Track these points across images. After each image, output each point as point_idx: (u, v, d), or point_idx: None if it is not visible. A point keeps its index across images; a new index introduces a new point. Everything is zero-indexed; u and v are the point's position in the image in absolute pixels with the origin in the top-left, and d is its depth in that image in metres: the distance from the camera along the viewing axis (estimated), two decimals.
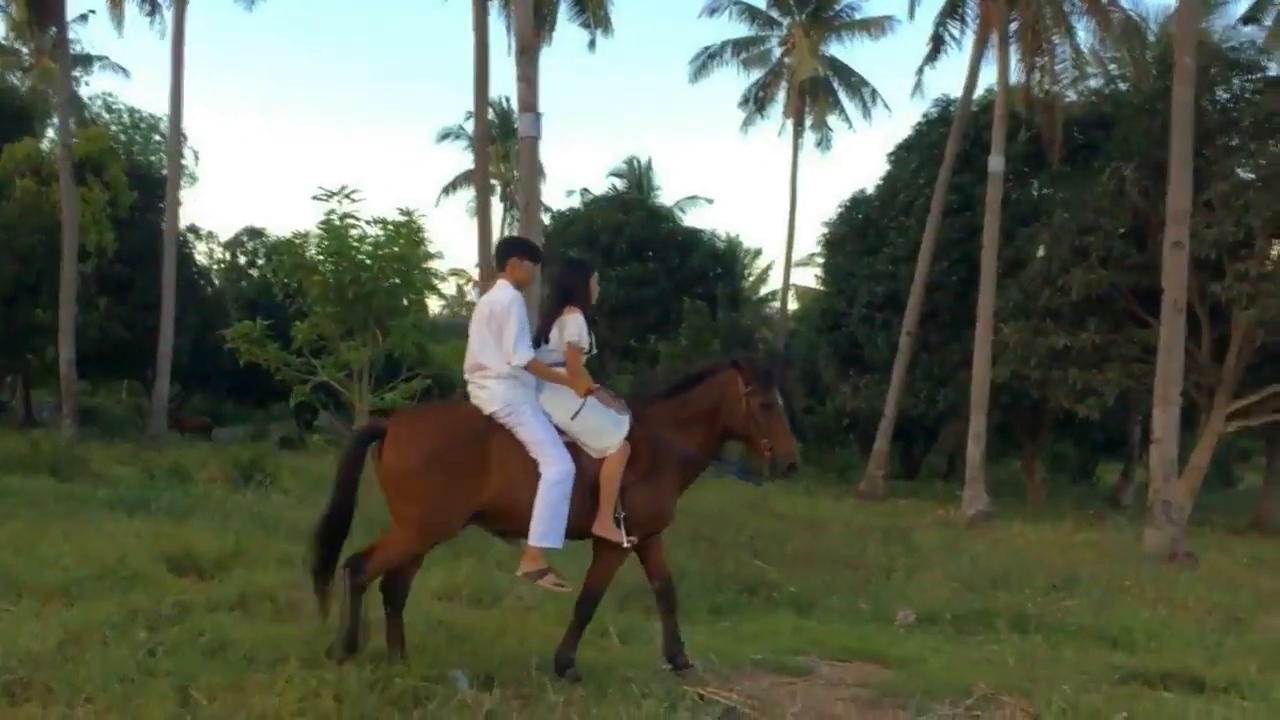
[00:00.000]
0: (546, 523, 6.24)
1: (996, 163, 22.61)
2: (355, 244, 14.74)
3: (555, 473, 6.22)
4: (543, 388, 6.51)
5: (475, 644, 7.09)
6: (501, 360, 6.36)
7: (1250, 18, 27.78)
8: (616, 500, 6.43)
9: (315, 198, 14.91)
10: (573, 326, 6.54)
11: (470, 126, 44.98)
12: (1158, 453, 17.14)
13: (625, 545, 6.47)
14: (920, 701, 6.85)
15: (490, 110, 47.22)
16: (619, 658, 7.35)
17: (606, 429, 6.45)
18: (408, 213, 15.17)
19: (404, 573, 6.58)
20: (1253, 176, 21.65)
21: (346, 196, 14.85)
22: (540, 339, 6.65)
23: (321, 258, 14.82)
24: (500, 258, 6.75)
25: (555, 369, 6.53)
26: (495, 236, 41.37)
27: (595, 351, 6.76)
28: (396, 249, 14.66)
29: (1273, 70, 23.70)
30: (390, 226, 14.85)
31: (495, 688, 6.10)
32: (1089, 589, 11.73)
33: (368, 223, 15.23)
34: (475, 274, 35.31)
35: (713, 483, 18.33)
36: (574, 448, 6.42)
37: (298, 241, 15.87)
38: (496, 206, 46.09)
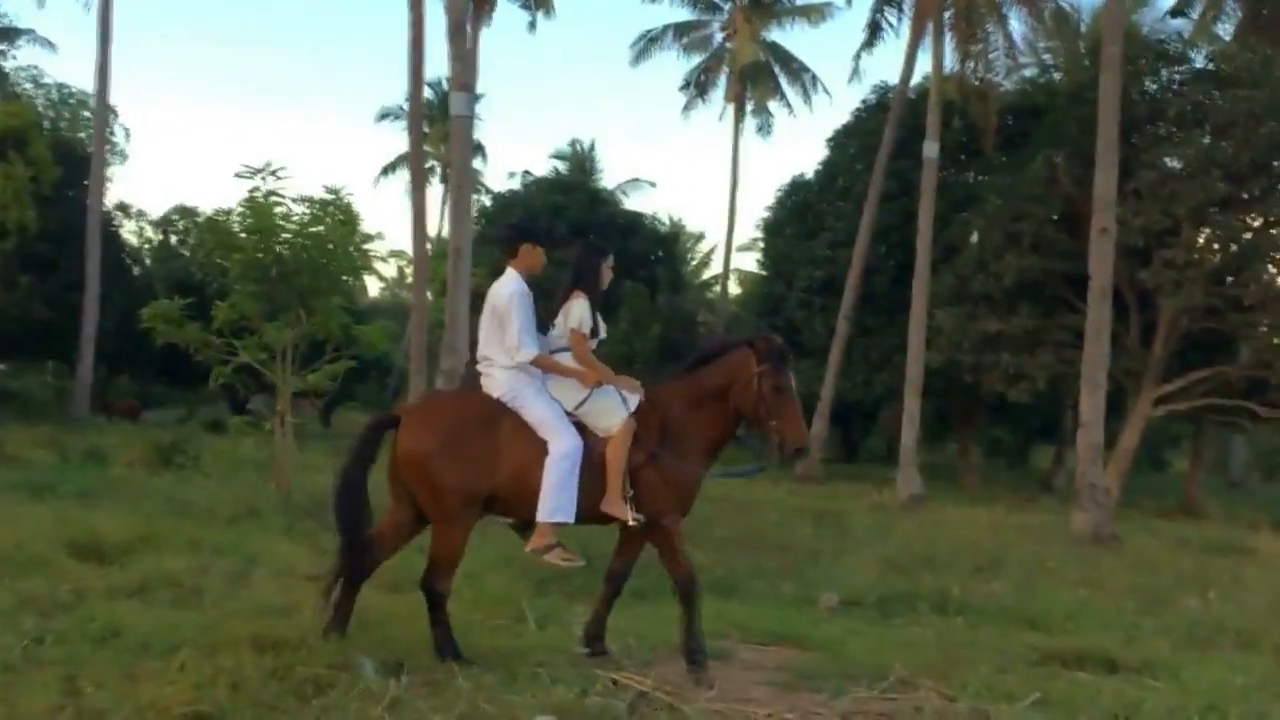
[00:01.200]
0: (555, 498, 6.24)
1: (931, 149, 22.71)
2: (280, 222, 14.44)
3: (562, 447, 6.24)
4: (550, 376, 6.49)
5: (387, 631, 6.94)
6: (504, 353, 6.38)
7: (1178, 10, 28.17)
8: (625, 479, 6.39)
9: (239, 175, 14.60)
10: (576, 311, 6.52)
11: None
12: (1085, 436, 17.32)
13: (630, 522, 6.43)
14: (837, 684, 6.82)
15: (430, 90, 46.90)
16: (535, 643, 7.28)
17: (612, 408, 6.42)
18: (334, 191, 14.90)
19: (377, 555, 6.62)
20: (1179, 166, 21.94)
21: (272, 174, 14.56)
22: (549, 324, 6.63)
23: (245, 235, 14.50)
24: (510, 243, 6.69)
25: (561, 358, 6.51)
26: (433, 218, 41.06)
27: (604, 336, 6.70)
28: (321, 228, 14.39)
29: (1198, 62, 24.07)
30: (316, 205, 14.59)
31: (403, 675, 5.97)
32: (1013, 571, 11.80)
33: (294, 201, 14.96)
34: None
35: None
36: (583, 429, 6.41)
37: (220, 219, 15.53)
38: (437, 188, 45.66)
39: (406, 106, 47.16)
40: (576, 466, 6.29)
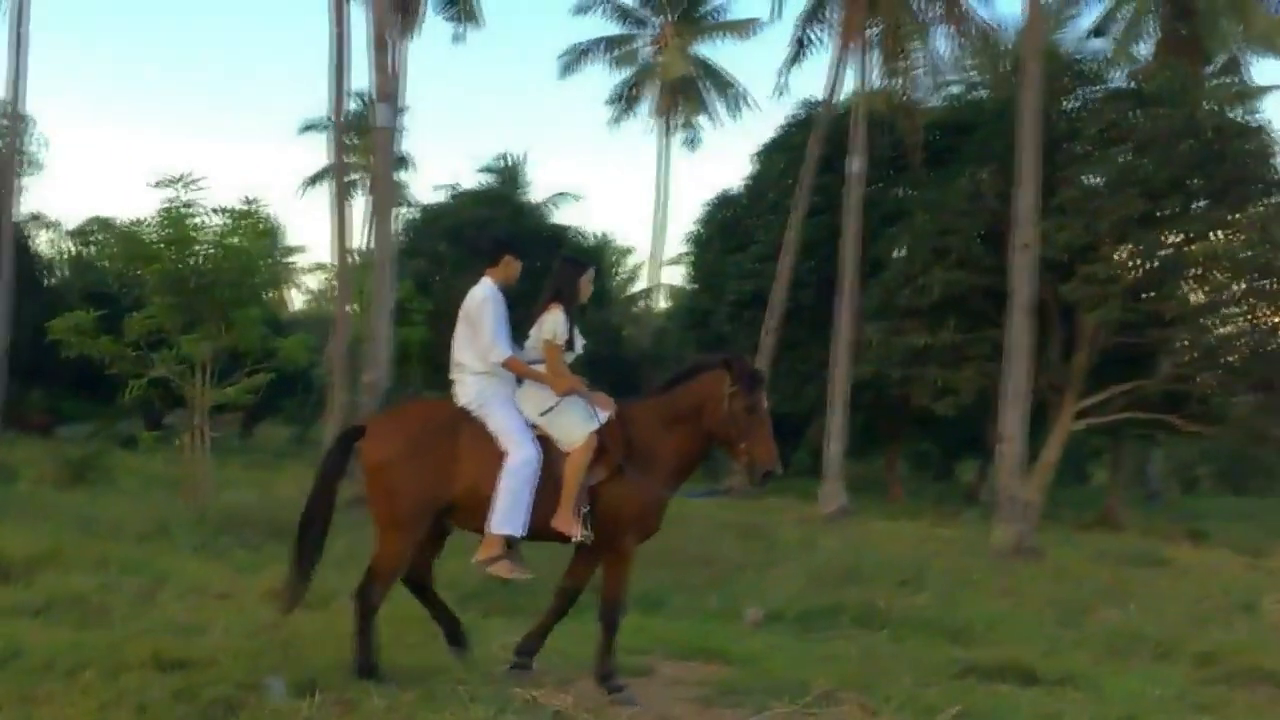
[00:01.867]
0: (506, 509, 6.25)
1: (856, 164, 22.86)
2: (195, 233, 14.22)
3: (518, 458, 6.24)
4: (521, 383, 6.55)
5: (300, 649, 6.84)
6: (476, 357, 6.45)
7: (1098, 31, 28.71)
8: (580, 496, 6.35)
9: (154, 185, 14.35)
10: (549, 324, 6.55)
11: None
12: (1006, 450, 17.47)
13: (578, 539, 6.39)
14: (758, 700, 6.81)
15: (355, 101, 46.45)
16: (452, 660, 7.12)
17: (578, 422, 6.40)
18: (250, 202, 14.72)
19: (419, 567, 6.77)
20: (1099, 182, 22.29)
21: (188, 184, 14.32)
22: (524, 335, 6.67)
23: (160, 246, 14.25)
24: (493, 254, 6.84)
25: (535, 366, 6.54)
26: (359, 230, 40.69)
27: (580, 352, 6.75)
28: (238, 239, 14.18)
29: (1117, 82, 24.53)
30: (233, 216, 14.37)
31: (315, 694, 5.86)
32: (936, 584, 11.85)
33: (211, 212, 14.72)
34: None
35: None
36: (547, 443, 6.42)
37: (135, 230, 15.25)
38: (363, 199, 45.22)
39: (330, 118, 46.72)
40: (532, 479, 6.28)
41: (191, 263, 14.18)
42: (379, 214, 16.91)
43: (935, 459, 41.56)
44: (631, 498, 6.45)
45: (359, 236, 39.19)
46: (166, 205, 14.35)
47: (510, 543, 6.39)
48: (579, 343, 6.76)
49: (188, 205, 14.30)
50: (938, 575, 12.22)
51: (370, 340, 16.66)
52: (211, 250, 14.29)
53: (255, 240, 14.59)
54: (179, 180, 14.28)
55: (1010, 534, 16.55)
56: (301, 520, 6.62)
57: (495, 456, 6.25)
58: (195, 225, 14.27)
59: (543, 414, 6.43)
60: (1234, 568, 17.03)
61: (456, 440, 6.32)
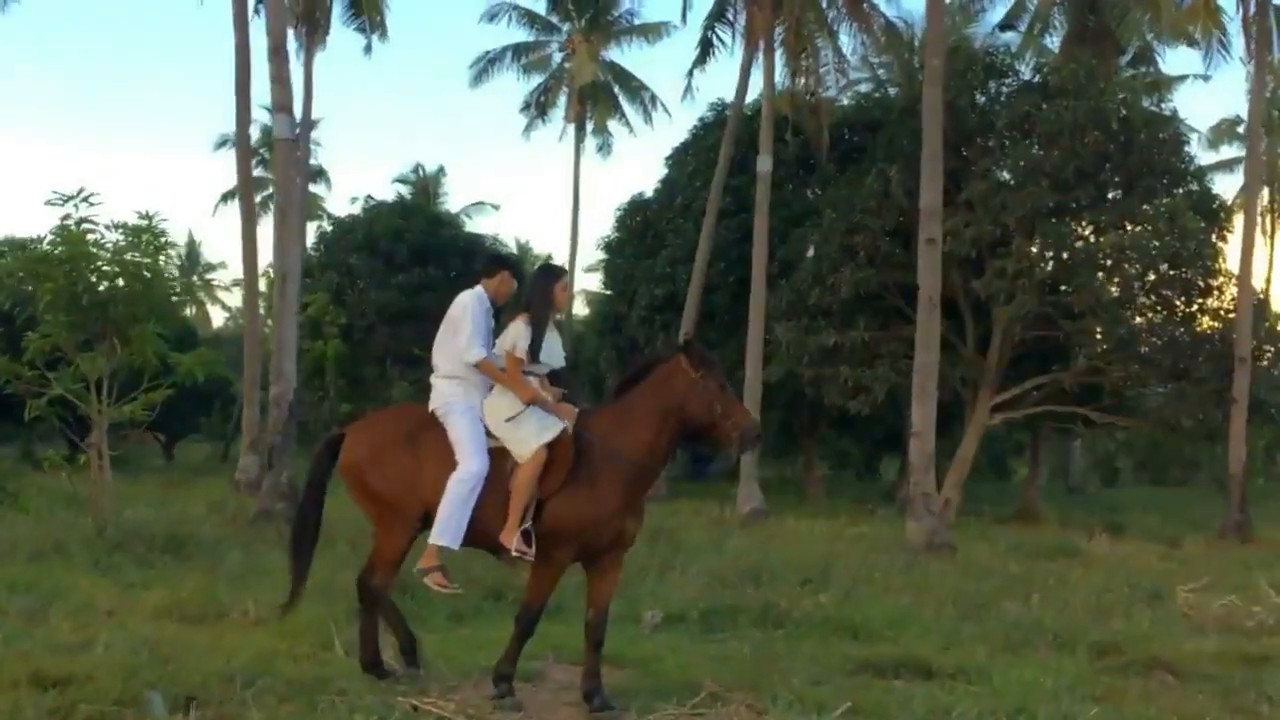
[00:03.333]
0: (446, 520, 6.30)
1: (764, 164, 22.73)
2: (93, 250, 13.77)
3: (464, 470, 6.29)
4: (491, 390, 6.60)
5: (182, 663, 6.70)
6: (449, 360, 6.58)
7: (1007, 24, 28.92)
8: (526, 511, 6.32)
9: (49, 202, 13.94)
10: (511, 334, 6.60)
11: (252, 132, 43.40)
12: (916, 446, 17.39)
13: (514, 553, 6.35)
14: (644, 702, 6.71)
15: (267, 114, 45.77)
16: (340, 670, 7.05)
17: (530, 435, 6.38)
18: (148, 217, 14.18)
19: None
20: (1008, 177, 22.37)
21: (84, 200, 13.89)
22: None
23: (55, 263, 13.78)
24: (490, 268, 7.09)
25: (492, 365, 6.60)
26: (270, 244, 39.95)
27: (559, 364, 6.80)
28: (134, 256, 13.74)
29: (1025, 74, 24.69)
30: (130, 232, 13.90)
31: (192, 709, 5.85)
32: (840, 582, 11.64)
33: (107, 228, 14.27)
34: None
35: None
36: (503, 454, 6.43)
37: (30, 247, 14.82)
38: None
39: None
40: (475, 491, 6.30)
41: (88, 280, 13.74)
42: (282, 226, 16.43)
43: (856, 458, 41.65)
44: (574, 512, 6.37)
45: (273, 251, 38.61)
46: (62, 222, 13.90)
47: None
48: (556, 354, 6.78)
49: (84, 222, 13.84)
50: (842, 573, 11.98)
51: (275, 352, 16.21)
52: (107, 267, 13.87)
53: (153, 256, 14.10)
54: (74, 197, 13.85)
55: (922, 530, 16.42)
56: (293, 526, 6.87)
57: (451, 466, 6.34)
58: (93, 242, 13.81)
59: (507, 420, 6.43)
60: (1148, 558, 17.04)
61: (418, 447, 6.46)
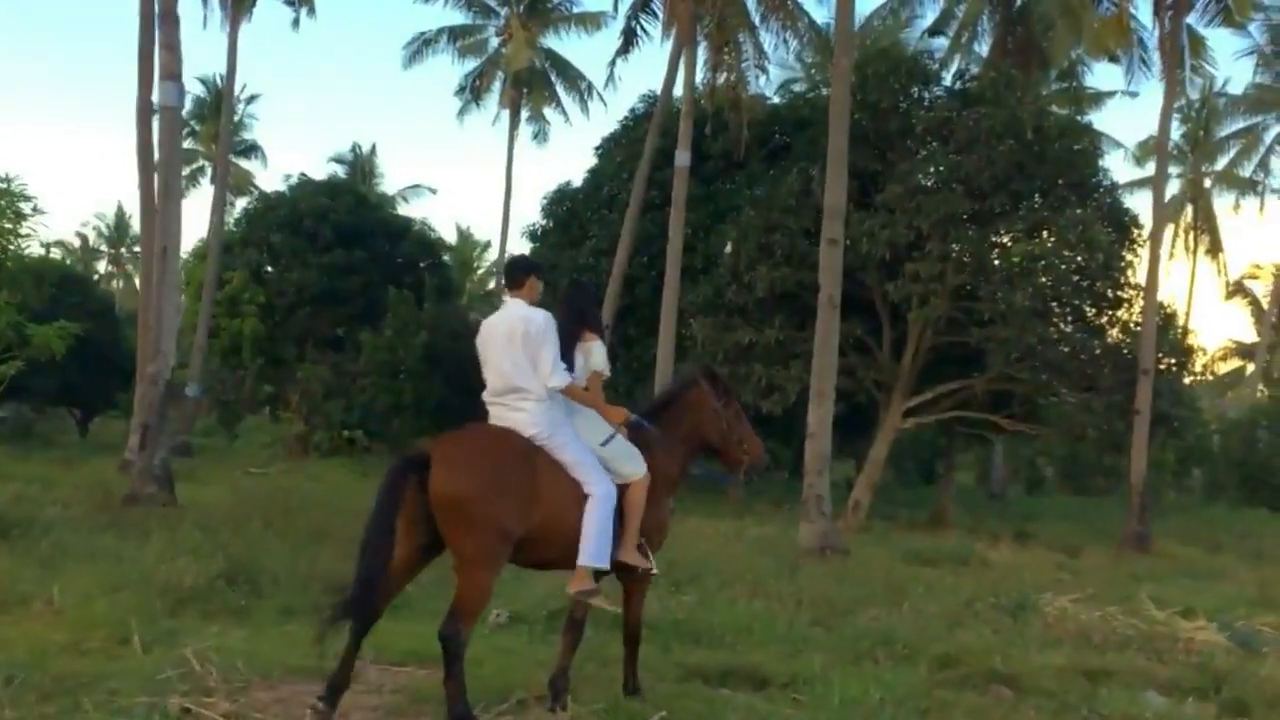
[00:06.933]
0: (596, 542, 6.33)
1: (682, 158, 22.61)
2: None
3: (604, 491, 6.33)
4: (574, 412, 6.57)
5: None
6: (539, 383, 6.34)
7: (936, 30, 28.96)
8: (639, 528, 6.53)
9: None
10: (598, 354, 6.76)
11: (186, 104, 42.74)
12: (811, 447, 17.29)
13: (654, 571, 6.74)
14: (442, 707, 6.34)
15: (202, 86, 45.01)
16: (129, 666, 6.75)
17: (633, 456, 6.56)
18: (6, 180, 13.69)
19: (382, 598, 6.34)
20: (928, 181, 22.34)
21: None
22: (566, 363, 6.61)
23: None
24: (516, 275, 6.73)
25: (580, 389, 6.60)
26: (202, 220, 39.15)
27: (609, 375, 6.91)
28: None
29: (948, 81, 24.73)
30: None
31: None
32: (709, 585, 11.45)
33: None
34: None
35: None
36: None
37: None
38: (207, 189, 43.84)
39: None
40: (613, 513, 6.38)
41: None
42: (164, 197, 15.92)
43: (784, 458, 41.55)
44: (653, 521, 6.72)
45: (201, 226, 37.79)
46: None
47: (597, 575, 6.51)
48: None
49: None
50: (712, 576, 11.78)
51: (154, 329, 15.69)
52: None
53: (14, 221, 13.61)
54: None
55: (815, 533, 16.29)
56: (359, 561, 6.13)
57: (572, 489, 6.29)
58: None
59: (602, 444, 6.49)
60: (1042, 567, 17.07)
61: (534, 472, 6.21)
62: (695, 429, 6.96)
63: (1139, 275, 23.31)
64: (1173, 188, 45.96)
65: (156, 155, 16.63)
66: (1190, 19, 24.15)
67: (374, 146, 47.91)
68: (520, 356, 6.37)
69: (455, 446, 6.26)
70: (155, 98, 17.08)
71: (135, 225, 68.67)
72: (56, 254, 60.96)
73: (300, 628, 8.44)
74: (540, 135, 37.62)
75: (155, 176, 18.06)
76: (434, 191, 75.37)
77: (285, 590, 9.37)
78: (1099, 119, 36.29)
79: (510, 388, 6.40)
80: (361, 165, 46.33)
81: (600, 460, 6.47)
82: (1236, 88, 43.71)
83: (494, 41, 36.68)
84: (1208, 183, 47.51)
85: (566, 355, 6.57)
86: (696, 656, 8.23)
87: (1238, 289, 52.57)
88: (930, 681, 7.91)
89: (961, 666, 8.33)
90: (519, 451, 6.25)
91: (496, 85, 36.96)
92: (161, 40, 15.94)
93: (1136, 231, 23.69)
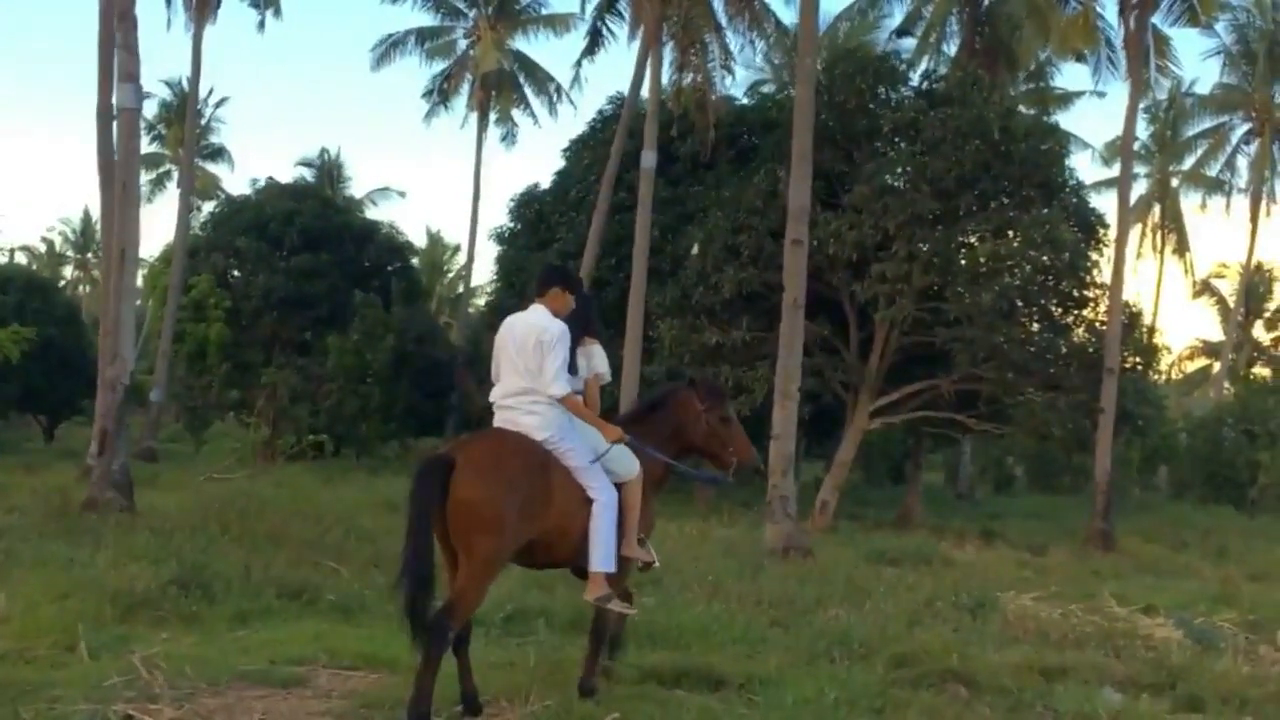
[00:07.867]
0: (606, 546, 6.53)
1: (648, 159, 22.58)
2: None
3: (608, 497, 6.53)
4: (573, 420, 6.65)
5: None
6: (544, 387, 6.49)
7: (904, 30, 29.04)
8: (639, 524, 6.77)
9: None
10: (599, 357, 7.07)
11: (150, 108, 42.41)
12: (776, 448, 17.24)
13: (656, 564, 7.19)
14: (392, 714, 6.41)
15: (169, 89, 44.68)
16: (76, 674, 6.65)
17: (628, 455, 6.73)
18: None
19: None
20: (894, 182, 22.37)
21: None
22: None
23: None
24: (542, 285, 6.82)
25: (578, 402, 6.73)
26: (168, 224, 39.03)
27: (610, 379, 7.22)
28: None
29: (915, 81, 24.78)
30: None
31: None
32: (670, 586, 11.39)
33: None
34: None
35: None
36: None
37: None
38: (173, 192, 43.49)
39: (147, 109, 44.80)
40: (616, 517, 6.57)
41: None
42: (122, 199, 15.74)
43: (762, 459, 41.58)
44: (646, 521, 7.00)
45: (168, 231, 37.54)
46: None
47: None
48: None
49: None
50: (673, 577, 11.71)
51: (111, 333, 15.53)
52: None
53: None
54: None
55: (779, 533, 16.26)
56: (407, 585, 6.08)
57: (578, 493, 6.46)
58: None
59: (596, 459, 6.62)
60: (1006, 566, 17.09)
61: (549, 478, 6.37)
62: (679, 431, 7.15)
63: (1105, 275, 23.44)
64: (1140, 187, 46.36)
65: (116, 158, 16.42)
66: (1156, 18, 24.31)
67: (339, 150, 47.53)
68: (532, 362, 6.50)
69: (480, 451, 6.38)
70: (114, 100, 16.83)
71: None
72: (22, 259, 60.50)
73: (255, 633, 8.39)
74: (509, 138, 37.54)
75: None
76: (403, 195, 75.26)
77: (238, 595, 9.26)
78: (1067, 119, 36.44)
79: (524, 390, 6.54)
80: (329, 169, 46.11)
81: (601, 463, 6.64)
82: (1204, 88, 43.97)
83: (462, 43, 36.51)
84: (1175, 182, 47.82)
85: (569, 358, 6.69)
86: (653, 658, 8.13)
87: (1204, 288, 52.92)
88: (886, 680, 7.88)
89: (919, 665, 8.30)
90: (537, 457, 6.39)
91: (465, 87, 36.78)
92: (119, 41, 15.74)
93: (1102, 231, 23.85)
